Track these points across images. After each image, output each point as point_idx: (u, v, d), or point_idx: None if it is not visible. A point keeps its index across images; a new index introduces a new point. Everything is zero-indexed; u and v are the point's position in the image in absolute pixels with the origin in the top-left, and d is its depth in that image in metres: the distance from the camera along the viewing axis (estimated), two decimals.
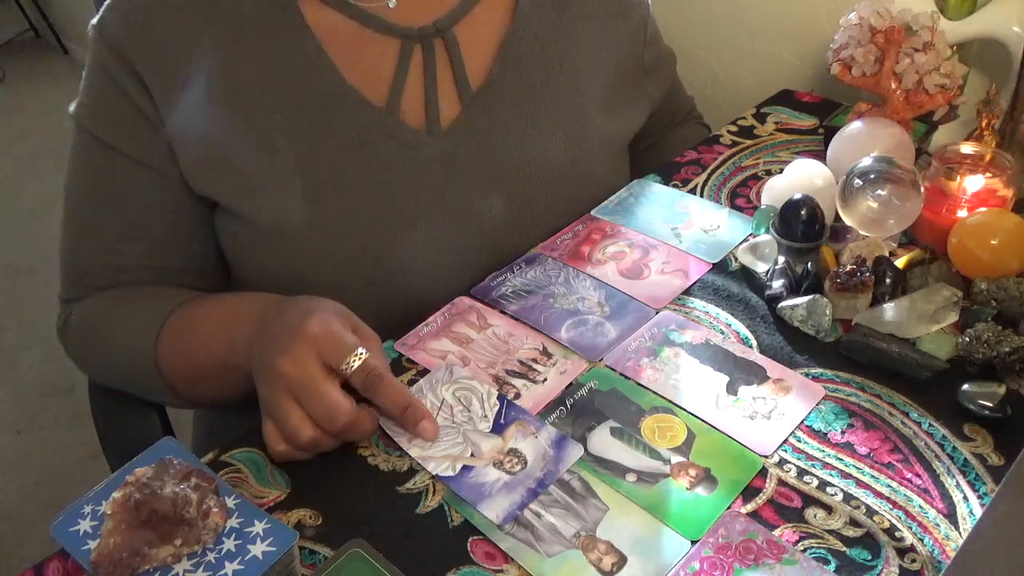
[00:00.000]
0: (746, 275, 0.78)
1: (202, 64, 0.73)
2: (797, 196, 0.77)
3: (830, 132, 0.90)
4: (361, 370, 0.62)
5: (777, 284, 0.74)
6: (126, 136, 0.75)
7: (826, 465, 0.61)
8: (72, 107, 0.77)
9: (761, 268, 0.78)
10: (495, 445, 0.63)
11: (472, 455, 0.63)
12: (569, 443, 0.63)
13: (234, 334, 0.68)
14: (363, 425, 0.62)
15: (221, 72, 0.73)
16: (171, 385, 0.74)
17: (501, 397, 0.67)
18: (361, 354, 0.62)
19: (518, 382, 0.68)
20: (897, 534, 0.56)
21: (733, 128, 1.01)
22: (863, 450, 0.62)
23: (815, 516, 0.58)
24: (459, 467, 0.62)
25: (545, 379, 0.69)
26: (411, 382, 0.69)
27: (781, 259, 0.76)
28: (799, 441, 0.63)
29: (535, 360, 0.70)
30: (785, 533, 0.57)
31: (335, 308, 0.65)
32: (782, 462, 0.61)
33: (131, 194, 0.76)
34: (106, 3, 0.74)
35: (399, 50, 0.77)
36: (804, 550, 0.55)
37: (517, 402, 0.66)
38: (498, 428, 0.64)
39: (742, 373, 0.68)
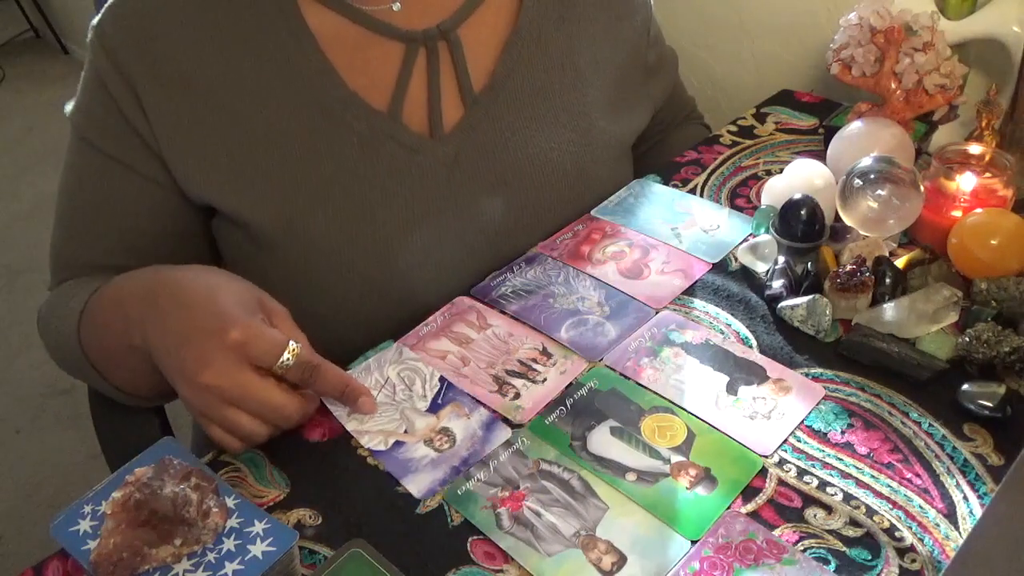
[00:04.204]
0: (746, 275, 0.78)
1: (203, 71, 0.73)
2: (797, 196, 0.77)
3: (830, 132, 0.90)
4: (298, 367, 0.61)
5: (777, 284, 0.74)
6: (116, 144, 0.74)
7: (826, 465, 0.61)
8: (68, 107, 0.77)
9: (761, 268, 0.77)
10: (429, 423, 0.65)
11: (405, 431, 0.64)
12: (499, 426, 0.64)
13: (127, 313, 0.66)
14: (309, 409, 0.63)
15: (222, 78, 0.73)
16: (100, 372, 0.73)
17: (442, 379, 0.68)
18: (294, 348, 0.61)
19: (518, 382, 0.68)
20: (897, 534, 0.56)
21: (733, 128, 1.01)
22: (863, 450, 0.62)
23: (815, 516, 0.58)
24: (391, 442, 0.63)
25: (545, 379, 0.69)
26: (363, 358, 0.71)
27: (781, 259, 0.76)
28: (799, 441, 0.63)
29: (535, 360, 0.70)
30: (785, 533, 0.57)
31: (238, 292, 0.63)
32: (782, 462, 0.61)
33: (119, 198, 0.76)
34: (106, 5, 0.74)
35: (403, 54, 0.77)
36: (804, 550, 0.55)
37: (517, 402, 0.67)
38: (434, 408, 0.66)
39: (742, 373, 0.68)
